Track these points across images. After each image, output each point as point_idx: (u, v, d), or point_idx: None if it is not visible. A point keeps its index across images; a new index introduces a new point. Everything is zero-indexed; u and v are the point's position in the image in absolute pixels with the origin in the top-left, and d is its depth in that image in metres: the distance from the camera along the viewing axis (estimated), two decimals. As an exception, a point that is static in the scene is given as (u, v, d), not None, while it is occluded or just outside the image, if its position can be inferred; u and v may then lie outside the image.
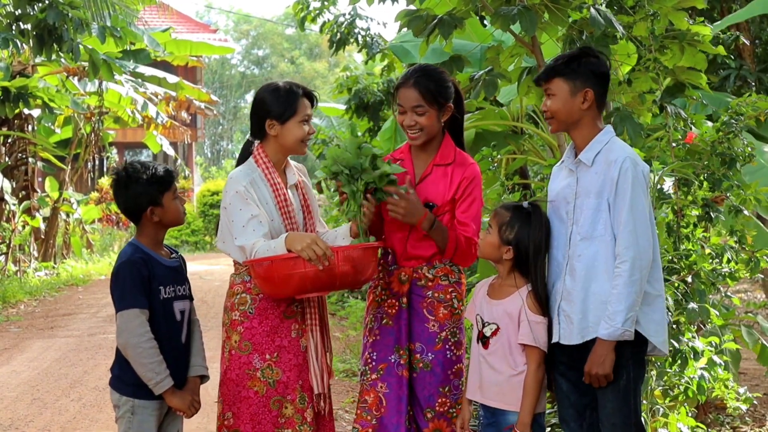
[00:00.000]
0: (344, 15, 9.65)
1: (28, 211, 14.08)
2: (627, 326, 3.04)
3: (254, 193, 3.40)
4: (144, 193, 3.28)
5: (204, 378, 3.46)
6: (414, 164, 3.53)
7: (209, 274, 14.94)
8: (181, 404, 3.30)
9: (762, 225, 5.70)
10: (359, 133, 13.62)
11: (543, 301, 3.23)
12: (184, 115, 17.26)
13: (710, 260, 4.34)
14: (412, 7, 4.81)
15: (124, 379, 3.28)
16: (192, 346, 3.44)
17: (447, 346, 3.46)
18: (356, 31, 9.57)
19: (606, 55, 3.39)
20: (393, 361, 3.44)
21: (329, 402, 3.56)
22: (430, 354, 3.45)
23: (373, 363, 3.47)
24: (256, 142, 3.54)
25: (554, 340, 3.22)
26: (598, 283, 3.12)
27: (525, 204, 3.32)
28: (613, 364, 3.07)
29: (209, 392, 6.16)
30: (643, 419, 4.07)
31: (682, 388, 4.34)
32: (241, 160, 3.56)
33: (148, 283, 3.25)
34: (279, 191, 3.46)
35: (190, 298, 3.47)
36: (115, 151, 18.89)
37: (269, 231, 3.38)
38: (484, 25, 6.35)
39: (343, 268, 3.20)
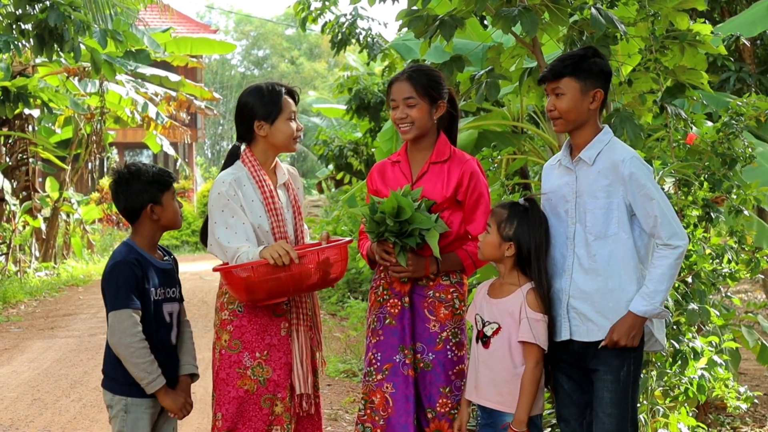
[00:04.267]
0: (345, 15, 9.65)
1: (29, 212, 14.08)
2: (662, 307, 3.11)
3: (239, 192, 3.44)
4: (145, 190, 3.33)
5: (194, 376, 3.48)
6: (411, 164, 3.56)
7: (210, 274, 14.93)
8: (173, 405, 3.32)
9: (763, 221, 5.70)
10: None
11: (545, 299, 3.23)
12: (183, 115, 17.25)
13: (710, 261, 4.34)
14: (415, 7, 4.80)
15: (117, 378, 3.30)
16: (183, 345, 3.46)
17: (448, 347, 3.46)
18: (357, 31, 9.57)
19: (607, 55, 3.41)
20: (398, 360, 3.44)
21: (316, 403, 3.55)
22: (430, 354, 3.46)
23: (378, 363, 3.47)
24: (243, 146, 3.57)
25: (566, 336, 3.22)
26: (615, 281, 3.15)
27: (521, 200, 3.32)
28: (640, 338, 3.15)
29: (210, 393, 6.15)
30: (643, 419, 4.09)
31: (682, 388, 4.34)
32: (227, 165, 3.59)
33: (141, 284, 3.28)
34: (265, 189, 3.48)
35: (180, 300, 3.50)
36: (115, 151, 18.87)
37: (253, 231, 3.42)
38: (485, 26, 6.35)
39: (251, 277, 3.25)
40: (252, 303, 3.37)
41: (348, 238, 3.48)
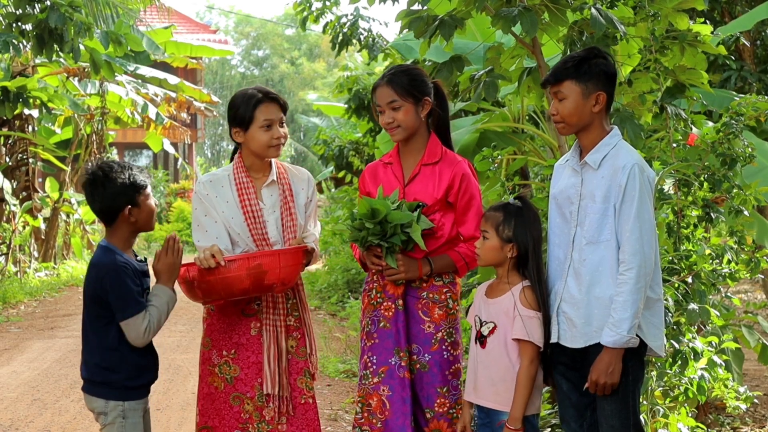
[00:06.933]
0: (346, 16, 9.64)
1: (29, 212, 14.08)
2: (632, 333, 3.03)
3: (212, 192, 3.48)
4: (122, 192, 3.20)
5: None
6: (402, 166, 3.56)
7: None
8: (166, 265, 3.26)
9: (764, 219, 5.70)
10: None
11: (541, 296, 3.22)
12: (183, 115, 17.25)
13: (710, 261, 4.34)
14: (415, 7, 4.80)
15: (110, 383, 3.21)
16: None
17: (443, 347, 3.47)
18: (359, 31, 9.56)
19: (612, 56, 3.38)
20: (394, 363, 3.44)
21: (302, 404, 3.51)
22: (426, 355, 3.46)
23: (374, 366, 3.47)
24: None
25: (553, 339, 3.22)
26: (602, 288, 3.11)
27: (512, 200, 3.32)
28: (620, 373, 3.06)
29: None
30: (643, 420, 4.09)
31: (682, 388, 4.34)
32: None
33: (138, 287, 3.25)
34: (243, 190, 3.49)
35: None
36: (115, 151, 18.87)
37: (225, 230, 3.45)
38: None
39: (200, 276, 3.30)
40: (196, 301, 3.40)
41: (295, 246, 3.43)
